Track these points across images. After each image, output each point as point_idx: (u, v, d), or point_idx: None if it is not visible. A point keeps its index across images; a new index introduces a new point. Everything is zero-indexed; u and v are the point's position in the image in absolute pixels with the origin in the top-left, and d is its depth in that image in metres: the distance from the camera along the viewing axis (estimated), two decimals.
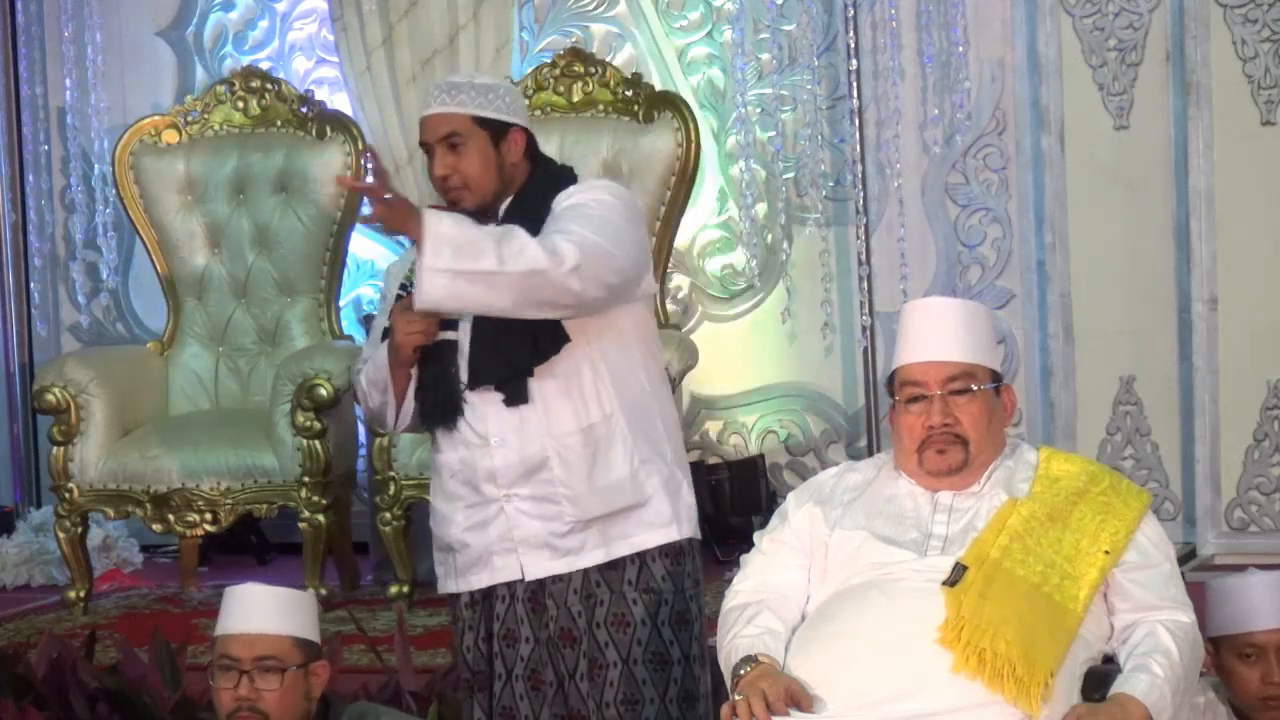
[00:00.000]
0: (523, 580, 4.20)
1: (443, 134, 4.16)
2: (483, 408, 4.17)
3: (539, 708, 4.21)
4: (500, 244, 3.95)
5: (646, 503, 4.20)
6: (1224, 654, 3.85)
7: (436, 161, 4.18)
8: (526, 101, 4.34)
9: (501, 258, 3.93)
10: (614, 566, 4.20)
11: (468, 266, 3.93)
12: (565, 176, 4.28)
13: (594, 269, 4.01)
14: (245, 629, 3.97)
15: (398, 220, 4.03)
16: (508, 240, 3.96)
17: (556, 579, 4.19)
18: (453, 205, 4.18)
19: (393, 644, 5.35)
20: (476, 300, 3.98)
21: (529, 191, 4.21)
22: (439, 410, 4.21)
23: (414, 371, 4.22)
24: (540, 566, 4.19)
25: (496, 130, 4.17)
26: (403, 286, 4.24)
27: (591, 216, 4.09)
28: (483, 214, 4.19)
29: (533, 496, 4.17)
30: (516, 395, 4.15)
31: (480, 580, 4.24)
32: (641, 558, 4.21)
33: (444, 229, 3.94)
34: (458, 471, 4.23)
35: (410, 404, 4.25)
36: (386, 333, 4.22)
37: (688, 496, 4.27)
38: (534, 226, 4.09)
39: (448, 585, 4.31)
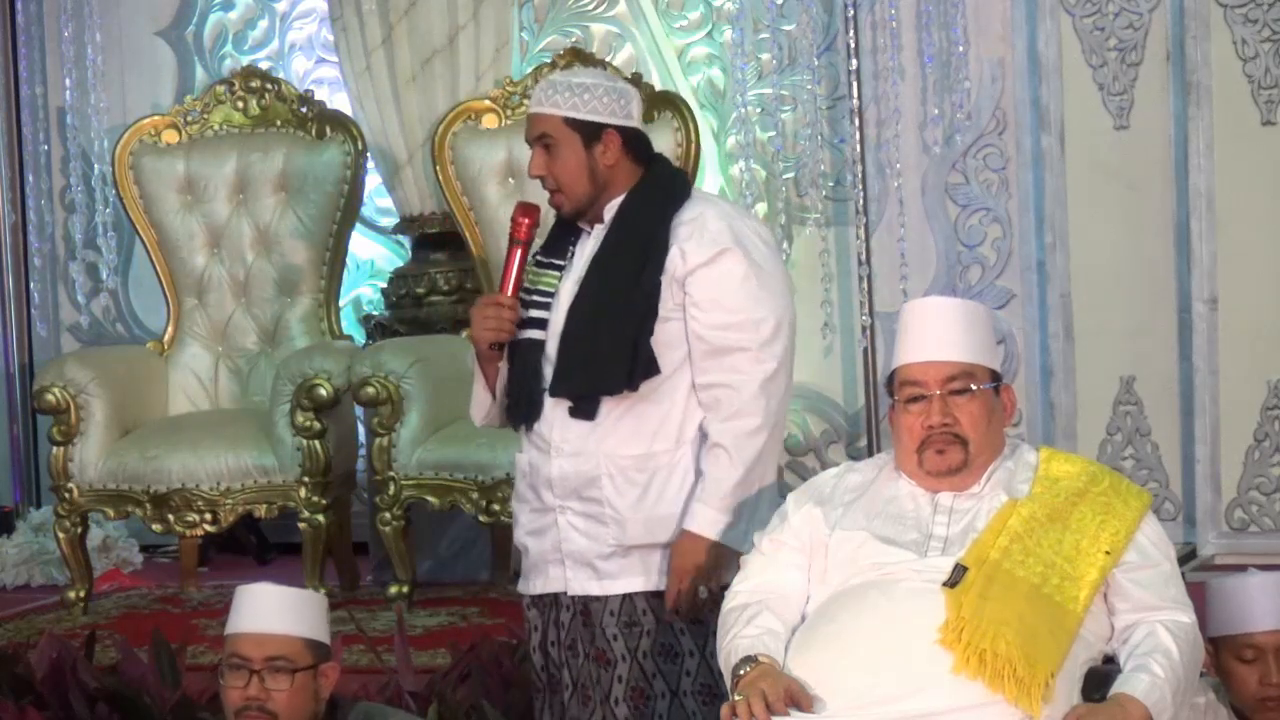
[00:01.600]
0: (566, 593, 4.19)
1: (536, 134, 4.13)
2: (553, 414, 4.15)
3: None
4: (747, 466, 4.08)
5: None
6: (1223, 654, 3.85)
7: (532, 162, 4.14)
8: (637, 96, 4.23)
9: (750, 465, 4.07)
10: (660, 596, 4.15)
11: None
12: (679, 184, 4.22)
13: (781, 368, 4.15)
14: (256, 629, 3.96)
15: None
16: (742, 445, 4.06)
17: (597, 599, 4.16)
18: (553, 206, 4.16)
19: (393, 644, 5.35)
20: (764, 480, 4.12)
21: (639, 198, 4.15)
22: (518, 410, 4.19)
23: (500, 367, 4.19)
24: (581, 584, 4.17)
25: (589, 132, 4.11)
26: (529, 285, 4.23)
27: (743, 320, 4.10)
28: (580, 216, 4.16)
29: (583, 513, 4.15)
30: (584, 410, 4.12)
31: (536, 586, 4.23)
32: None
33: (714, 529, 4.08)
34: (526, 474, 4.23)
35: (485, 399, 4.23)
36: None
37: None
38: (641, 235, 4.08)
39: (519, 584, 4.31)
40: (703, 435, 4.11)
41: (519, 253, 4.17)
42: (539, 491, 4.19)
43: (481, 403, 4.25)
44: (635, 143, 4.17)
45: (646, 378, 4.07)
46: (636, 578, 4.14)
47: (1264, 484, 6.75)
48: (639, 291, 4.08)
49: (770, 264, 4.15)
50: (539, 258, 4.21)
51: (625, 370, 4.06)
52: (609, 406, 4.11)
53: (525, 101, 6.82)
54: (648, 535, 4.13)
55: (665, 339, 4.09)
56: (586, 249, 4.18)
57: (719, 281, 4.08)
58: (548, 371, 4.15)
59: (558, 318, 4.14)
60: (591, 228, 4.19)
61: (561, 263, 4.19)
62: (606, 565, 4.14)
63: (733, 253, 4.09)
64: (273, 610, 3.99)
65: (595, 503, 4.13)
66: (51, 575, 7.14)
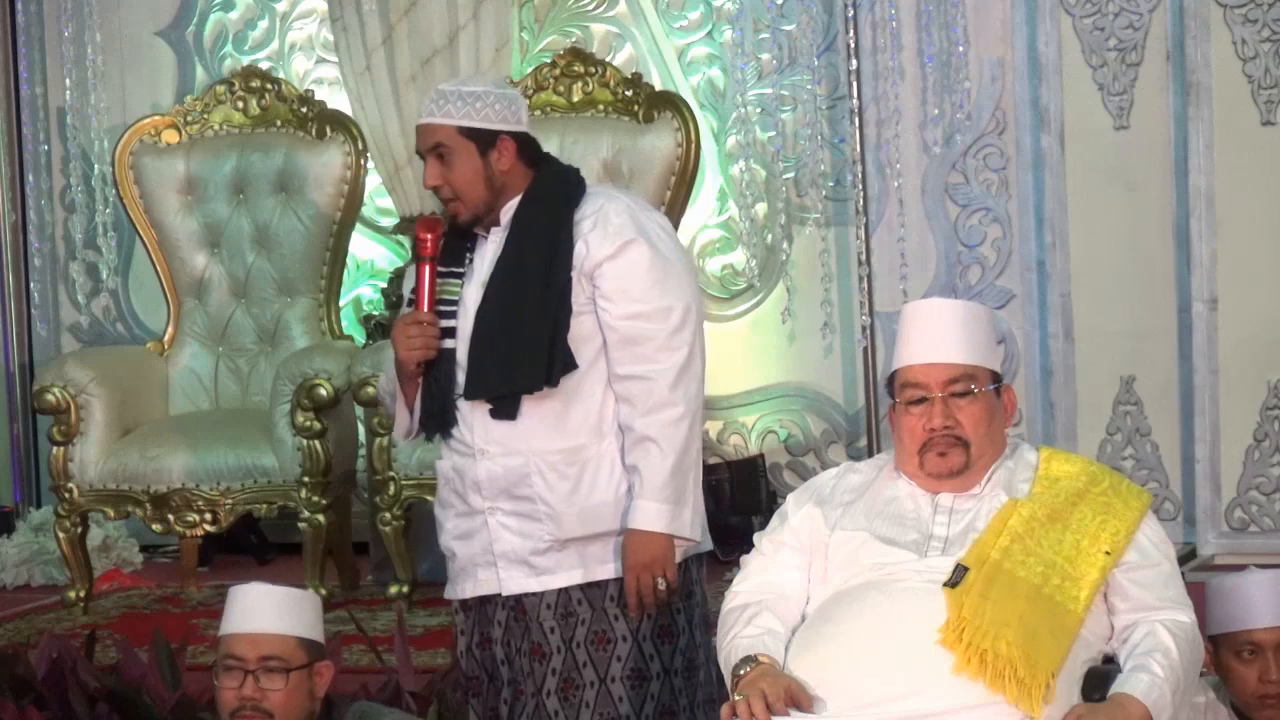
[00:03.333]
0: (500, 594, 4.20)
1: (431, 144, 4.16)
2: (471, 417, 4.18)
3: (517, 717, 4.20)
4: (678, 454, 4.10)
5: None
6: (1222, 652, 3.85)
7: (427, 172, 4.18)
8: (525, 102, 4.29)
9: (680, 452, 4.10)
10: (596, 585, 4.18)
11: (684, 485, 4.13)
12: (573, 182, 4.24)
13: (693, 353, 4.13)
14: (250, 629, 3.97)
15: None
16: (669, 434, 4.08)
17: (533, 595, 4.18)
18: (450, 216, 4.19)
19: (393, 644, 5.35)
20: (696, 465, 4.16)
21: (535, 198, 4.18)
22: (434, 419, 4.22)
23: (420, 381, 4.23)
24: (517, 583, 4.18)
25: (483, 140, 4.15)
26: (414, 290, 4.24)
27: (649, 303, 4.11)
28: (478, 223, 4.19)
29: (514, 512, 4.17)
30: (505, 410, 4.14)
31: (465, 590, 4.25)
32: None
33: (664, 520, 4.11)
34: (450, 480, 4.24)
35: (415, 412, 4.26)
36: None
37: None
38: (544, 235, 4.11)
39: (446, 590, 4.33)
40: (625, 429, 4.14)
41: (428, 269, 4.19)
42: (465, 495, 4.20)
43: (402, 421, 4.29)
44: (527, 146, 4.22)
45: (565, 373, 4.11)
46: (574, 571, 4.17)
47: (1264, 484, 6.75)
48: (551, 289, 4.11)
49: (673, 253, 4.19)
50: (441, 270, 4.22)
51: (543, 367, 4.09)
52: (530, 405, 4.13)
53: (526, 102, 6.82)
54: (583, 527, 4.16)
55: (579, 333, 4.13)
56: (486, 254, 4.20)
57: (626, 273, 4.13)
58: (460, 377, 4.17)
59: (465, 324, 4.17)
60: (488, 232, 4.21)
61: (461, 270, 4.21)
62: (542, 561, 4.16)
63: (637, 243, 4.13)
64: (266, 610, 3.99)
65: (527, 500, 4.15)
66: (51, 575, 7.14)
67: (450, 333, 4.18)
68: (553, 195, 4.19)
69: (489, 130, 4.15)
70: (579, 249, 4.12)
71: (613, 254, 4.12)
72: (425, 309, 4.17)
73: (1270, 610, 3.82)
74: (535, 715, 4.18)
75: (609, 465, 4.16)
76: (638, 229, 4.14)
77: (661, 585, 4.09)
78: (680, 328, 4.12)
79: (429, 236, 4.19)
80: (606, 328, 4.13)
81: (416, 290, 4.20)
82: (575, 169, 4.30)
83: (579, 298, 4.12)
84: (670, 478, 4.10)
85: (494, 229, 4.21)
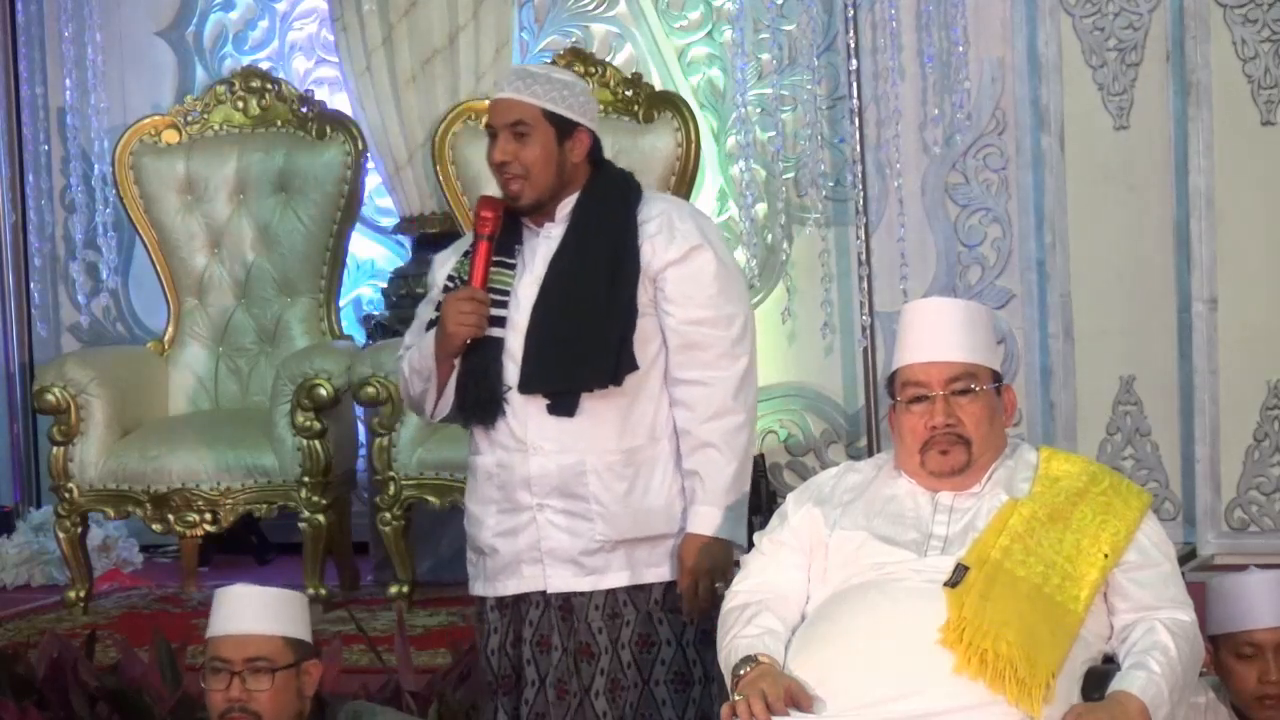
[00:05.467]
0: (545, 591, 4.17)
1: (510, 120, 4.12)
2: (525, 412, 4.14)
3: (562, 716, 4.18)
4: (740, 461, 4.15)
5: (679, 533, 4.17)
6: (1222, 652, 3.86)
7: (498, 147, 4.13)
8: (595, 104, 4.33)
9: (742, 459, 4.16)
10: (641, 588, 4.18)
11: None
12: (631, 187, 4.25)
13: (752, 362, 4.20)
14: (235, 630, 3.97)
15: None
16: (731, 441, 4.13)
17: (581, 594, 4.16)
18: (508, 198, 4.14)
19: (393, 644, 5.36)
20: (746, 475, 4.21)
21: (595, 197, 4.18)
22: (479, 408, 4.16)
23: (456, 363, 4.18)
24: (564, 581, 4.16)
25: (564, 127, 4.14)
26: (450, 277, 4.21)
27: (717, 313, 4.15)
28: (536, 210, 4.15)
29: (565, 510, 4.15)
30: (563, 407, 4.12)
31: (508, 587, 4.20)
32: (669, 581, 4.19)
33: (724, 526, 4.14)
34: (494, 474, 4.19)
35: (450, 395, 4.20)
36: (433, 323, 4.19)
37: None
38: (609, 234, 4.12)
39: (476, 587, 4.28)
40: (683, 434, 4.16)
41: (485, 247, 4.15)
42: (511, 491, 4.17)
43: (429, 402, 4.22)
44: (596, 146, 4.23)
45: (627, 373, 4.11)
46: (622, 572, 4.16)
47: (1264, 484, 6.75)
48: (619, 289, 4.11)
49: (733, 263, 4.25)
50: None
51: (610, 366, 4.09)
52: (588, 403, 4.12)
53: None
54: (635, 529, 4.15)
55: (640, 335, 4.13)
56: (539, 248, 4.18)
57: (691, 278, 4.14)
58: (511, 369, 4.14)
59: (519, 316, 4.14)
60: (539, 226, 4.19)
61: (512, 261, 4.18)
62: (591, 560, 4.14)
63: (704, 250, 4.15)
64: (251, 611, 3.99)
65: (579, 499, 4.13)
66: (51, 575, 7.14)
67: (498, 322, 4.14)
68: (612, 195, 4.19)
69: (570, 120, 4.15)
70: (645, 251, 4.13)
71: (679, 259, 4.13)
72: (479, 286, 4.13)
73: (1270, 610, 3.83)
74: (578, 714, 4.17)
75: (663, 468, 4.17)
76: (703, 235, 4.16)
77: (721, 590, 4.08)
78: (742, 336, 4.17)
79: (490, 215, 4.14)
80: (669, 331, 4.14)
81: (472, 268, 4.13)
82: (631, 175, 4.31)
83: (641, 299, 4.13)
84: (732, 484, 4.14)
85: (547, 224, 4.18)
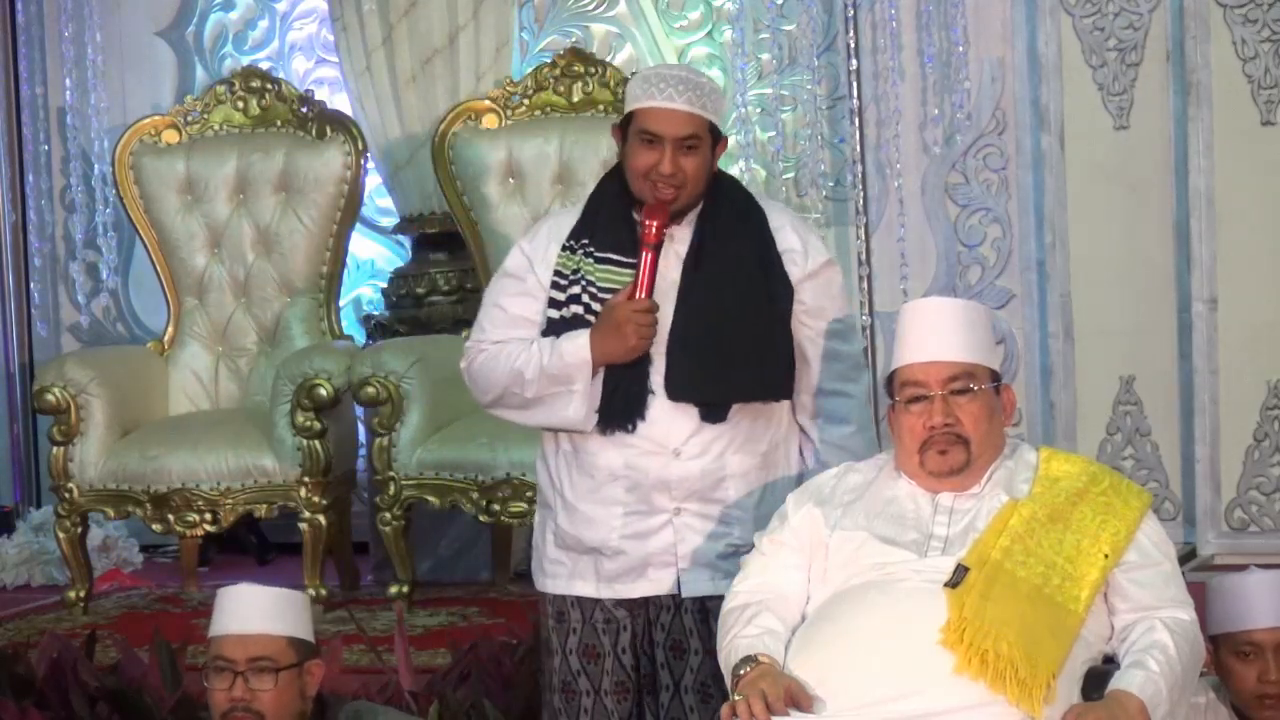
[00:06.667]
0: (678, 595, 4.13)
1: (684, 134, 4.06)
2: (669, 417, 4.09)
3: (709, 719, 4.14)
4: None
5: None
6: (1222, 652, 3.86)
7: (666, 158, 4.04)
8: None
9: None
10: None
11: None
12: (745, 192, 4.26)
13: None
14: (238, 630, 3.97)
15: None
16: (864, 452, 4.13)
17: (715, 598, 4.08)
18: (658, 203, 4.06)
19: (393, 644, 5.35)
20: None
21: (724, 202, 4.15)
22: (620, 413, 4.09)
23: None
24: (699, 585, 4.12)
25: (716, 137, 4.13)
26: (560, 273, 4.11)
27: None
28: (678, 216, 4.11)
29: (702, 514, 4.12)
30: (717, 415, 4.10)
31: (634, 590, 4.14)
32: None
33: None
34: (621, 476, 4.11)
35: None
36: (554, 325, 4.09)
37: None
38: (746, 243, 4.11)
39: (572, 587, 4.19)
40: (822, 442, 4.21)
41: (654, 256, 4.07)
42: (646, 494, 4.10)
43: (576, 413, 4.11)
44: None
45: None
46: None
47: (1264, 484, 6.75)
48: (776, 300, 4.12)
49: None
50: (597, 255, 4.12)
51: (780, 378, 4.12)
52: (734, 410, 4.11)
53: (525, 102, 6.83)
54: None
55: None
56: (667, 253, 4.10)
57: (825, 291, 4.19)
58: (654, 374, 4.08)
59: (661, 320, 4.10)
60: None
61: (629, 260, 4.10)
62: (727, 564, 4.09)
63: (833, 264, 4.23)
64: (254, 610, 3.99)
65: (719, 503, 4.12)
66: (51, 575, 7.14)
67: None
68: (738, 200, 4.18)
69: (719, 130, 4.14)
70: (785, 261, 4.14)
71: (814, 272, 4.16)
72: (648, 296, 4.06)
73: (1270, 610, 3.83)
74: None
75: (785, 473, 4.19)
76: (829, 251, 4.26)
77: None
78: (860, 349, 4.30)
79: (654, 223, 4.06)
80: (809, 342, 4.17)
81: (639, 277, 4.05)
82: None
83: None
84: None
85: (673, 226, 4.11)
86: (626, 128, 4.12)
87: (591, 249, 4.13)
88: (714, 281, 4.10)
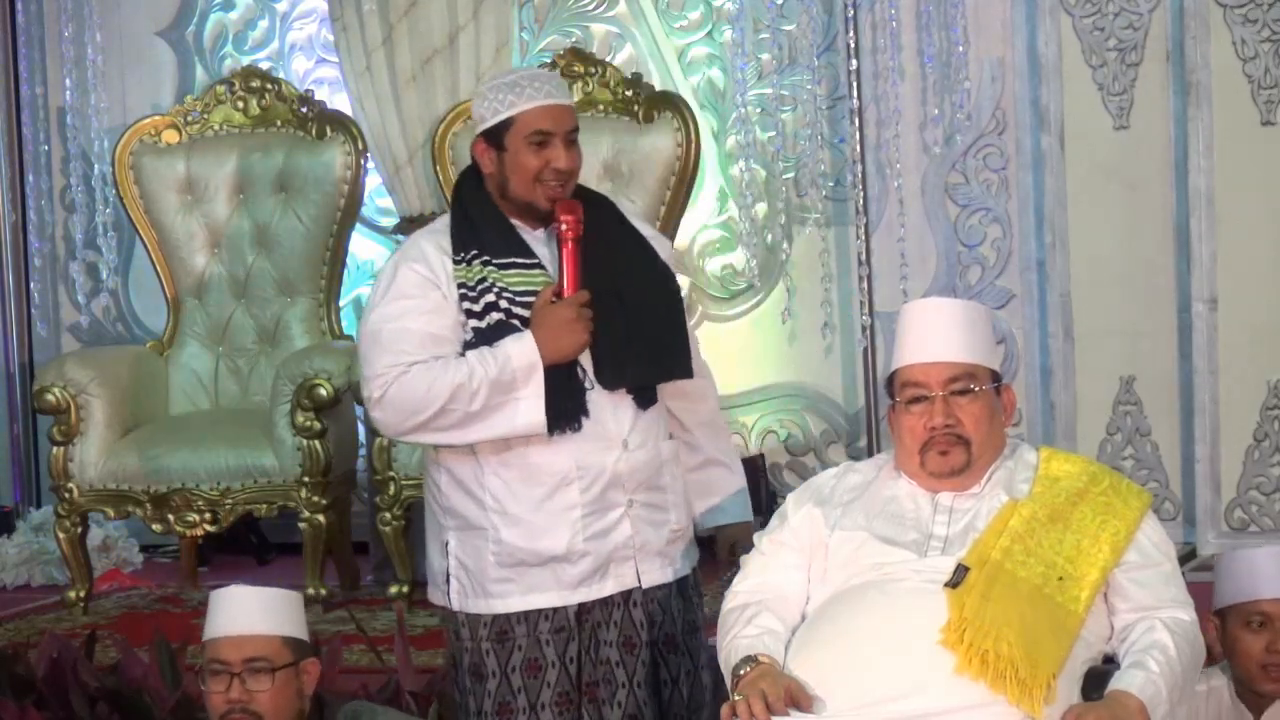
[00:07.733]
0: (640, 587, 4.13)
1: (571, 127, 4.10)
2: (613, 408, 4.09)
3: (663, 709, 4.17)
4: None
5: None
6: (1230, 623, 3.90)
7: (563, 154, 4.05)
8: None
9: None
10: (689, 573, 4.25)
11: None
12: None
13: None
14: (233, 631, 3.97)
15: None
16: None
17: (664, 586, 4.15)
18: (558, 199, 4.08)
19: (393, 644, 5.35)
20: None
21: (583, 196, 4.15)
22: (567, 412, 4.05)
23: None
24: (654, 574, 4.14)
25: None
26: (465, 284, 4.07)
27: None
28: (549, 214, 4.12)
29: (649, 503, 4.13)
30: (647, 398, 4.12)
31: (602, 590, 4.10)
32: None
33: None
34: (575, 478, 4.07)
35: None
36: (482, 335, 4.03)
37: None
38: (630, 231, 4.19)
39: (532, 601, 4.10)
40: (704, 425, 4.30)
41: (575, 250, 4.06)
42: (601, 491, 4.08)
43: (535, 416, 4.04)
44: None
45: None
46: (685, 561, 4.21)
47: (1264, 484, 6.75)
48: (670, 283, 4.19)
49: None
50: (496, 262, 4.07)
51: (688, 356, 4.18)
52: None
53: None
54: (687, 516, 4.24)
55: None
56: (543, 250, 4.11)
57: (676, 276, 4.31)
58: (587, 367, 4.08)
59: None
60: (534, 229, 4.12)
61: (533, 261, 4.09)
62: (671, 550, 4.15)
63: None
64: (248, 611, 3.99)
65: (660, 490, 4.14)
66: (51, 575, 7.14)
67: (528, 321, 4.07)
68: (586, 193, 4.19)
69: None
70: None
71: (669, 255, 4.28)
72: (574, 292, 4.04)
73: (1279, 581, 3.86)
74: (671, 704, 4.18)
75: (672, 454, 4.25)
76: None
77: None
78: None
79: (571, 218, 4.06)
80: None
81: (563, 273, 4.04)
82: None
83: None
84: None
85: (542, 227, 4.11)
86: (500, 138, 4.08)
87: (488, 258, 4.09)
88: (614, 268, 4.11)
